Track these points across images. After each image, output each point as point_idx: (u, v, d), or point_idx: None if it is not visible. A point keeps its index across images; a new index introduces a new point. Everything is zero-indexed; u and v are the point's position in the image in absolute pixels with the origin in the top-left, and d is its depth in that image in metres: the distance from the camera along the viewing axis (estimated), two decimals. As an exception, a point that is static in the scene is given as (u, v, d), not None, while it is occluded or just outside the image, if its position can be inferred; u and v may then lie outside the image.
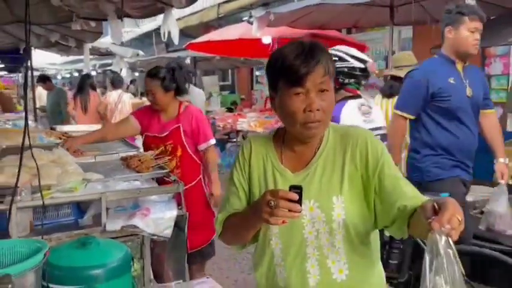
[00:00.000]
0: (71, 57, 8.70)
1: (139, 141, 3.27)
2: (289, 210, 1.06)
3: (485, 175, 5.38)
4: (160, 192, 2.13)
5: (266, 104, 9.07)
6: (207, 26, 9.50)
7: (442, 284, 0.83)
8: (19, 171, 1.55)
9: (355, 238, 1.25)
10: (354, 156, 1.26)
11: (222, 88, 13.52)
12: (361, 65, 2.30)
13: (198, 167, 2.93)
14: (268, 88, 1.30)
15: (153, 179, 2.37)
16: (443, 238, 0.86)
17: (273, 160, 1.33)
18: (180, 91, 2.90)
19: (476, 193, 4.10)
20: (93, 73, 14.56)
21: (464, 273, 0.85)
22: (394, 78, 3.41)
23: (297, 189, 1.09)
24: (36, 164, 1.59)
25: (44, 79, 7.48)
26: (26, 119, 1.54)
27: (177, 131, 2.83)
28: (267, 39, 5.93)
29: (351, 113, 2.29)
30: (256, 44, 6.19)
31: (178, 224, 2.16)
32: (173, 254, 2.28)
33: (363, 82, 2.35)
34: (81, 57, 6.80)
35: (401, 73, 3.36)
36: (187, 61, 8.34)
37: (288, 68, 1.19)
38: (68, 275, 1.53)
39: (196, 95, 5.48)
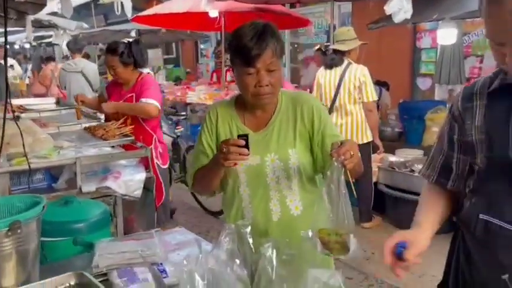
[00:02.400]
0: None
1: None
2: (240, 154, 1.34)
3: (415, 139, 5.97)
4: (130, 157, 2.32)
5: (212, 77, 9.18)
6: (150, -2, 9.35)
7: (332, 194, 1.22)
8: (2, 140, 1.67)
9: (306, 180, 1.56)
10: (303, 117, 1.55)
11: (166, 61, 13.37)
12: None
13: (150, 137, 3.06)
14: (230, 60, 1.53)
15: (119, 145, 2.54)
16: (338, 165, 1.23)
17: (237, 122, 1.59)
18: (137, 64, 3.04)
19: (408, 154, 4.62)
20: (27, 46, 13.84)
21: (346, 191, 1.23)
22: (335, 51, 3.73)
23: (244, 136, 1.37)
24: (21, 131, 1.72)
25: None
26: (8, 92, 1.66)
27: (130, 100, 3.01)
28: (213, 13, 6.03)
29: None
30: (203, 17, 6.27)
31: (146, 186, 2.37)
32: (143, 214, 2.49)
33: None
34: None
35: (342, 47, 3.69)
36: (133, 34, 8.25)
37: (241, 49, 1.43)
38: (55, 228, 1.73)
39: (89, 69, 5.71)
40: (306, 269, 1.09)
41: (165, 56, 13.49)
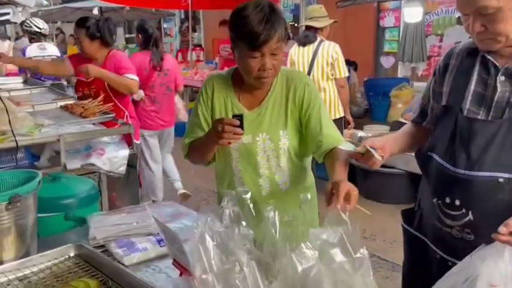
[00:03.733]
0: None
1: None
2: (234, 134, 1.38)
3: (381, 115, 6.18)
4: (113, 133, 2.31)
5: (177, 56, 9.05)
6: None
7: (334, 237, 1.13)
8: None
9: (294, 158, 1.62)
10: (294, 96, 1.58)
11: (128, 41, 13.02)
12: (38, 30, 4.94)
13: (122, 114, 2.99)
14: (230, 39, 1.51)
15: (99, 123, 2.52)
16: (338, 213, 1.18)
17: (232, 99, 1.61)
18: (104, 41, 2.99)
19: (375, 130, 4.79)
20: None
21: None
22: (308, 28, 3.79)
23: (239, 116, 1.41)
24: (6, 106, 1.69)
25: None
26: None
27: (98, 77, 2.91)
28: (180, -10, 5.95)
29: (32, 48, 4.81)
30: (169, -6, 6.18)
31: (129, 163, 2.38)
32: (126, 192, 2.50)
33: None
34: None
35: (316, 24, 3.75)
36: (95, 11, 7.99)
37: (248, 34, 1.40)
38: (45, 204, 1.71)
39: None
40: (305, 230, 1.17)
41: (127, 35, 13.14)
